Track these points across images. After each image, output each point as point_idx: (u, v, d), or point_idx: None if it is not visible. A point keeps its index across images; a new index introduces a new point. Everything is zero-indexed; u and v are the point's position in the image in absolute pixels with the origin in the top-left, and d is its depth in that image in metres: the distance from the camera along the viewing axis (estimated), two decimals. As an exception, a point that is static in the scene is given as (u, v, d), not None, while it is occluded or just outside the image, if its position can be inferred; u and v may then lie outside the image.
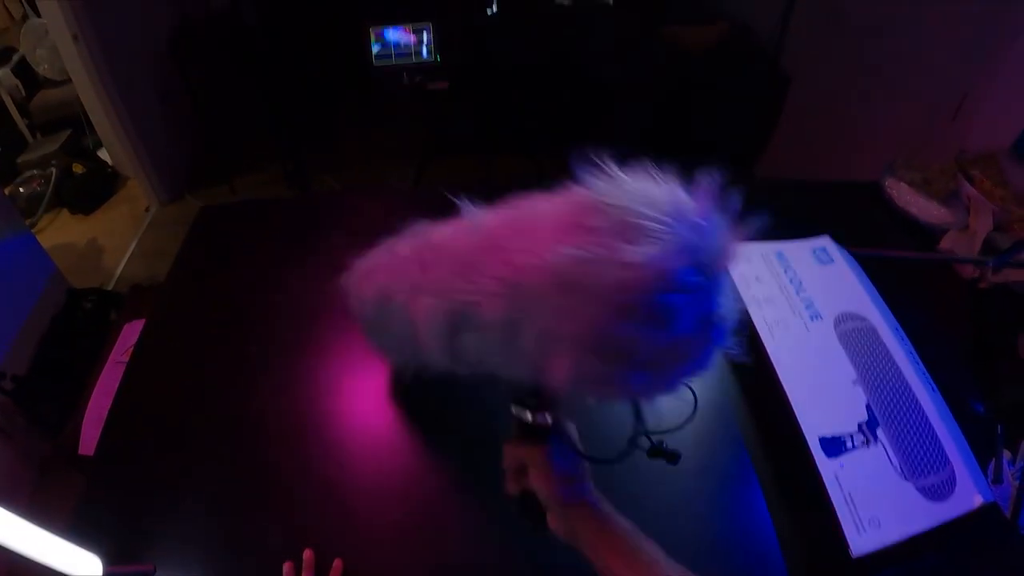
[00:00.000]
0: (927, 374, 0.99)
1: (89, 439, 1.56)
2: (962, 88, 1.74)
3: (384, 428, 1.03)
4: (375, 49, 2.81)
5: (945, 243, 1.34)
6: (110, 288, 2.82)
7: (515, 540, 0.84)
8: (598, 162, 0.51)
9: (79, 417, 1.66)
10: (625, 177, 0.51)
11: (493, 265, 0.52)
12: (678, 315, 0.46)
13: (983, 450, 0.92)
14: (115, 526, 0.91)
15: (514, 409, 0.69)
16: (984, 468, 0.90)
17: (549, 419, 0.68)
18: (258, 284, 1.29)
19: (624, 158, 0.53)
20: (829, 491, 0.86)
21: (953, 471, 0.88)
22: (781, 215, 1.36)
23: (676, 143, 2.80)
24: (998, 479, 0.91)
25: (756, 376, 1.03)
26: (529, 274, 0.49)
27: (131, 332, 1.77)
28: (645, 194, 0.49)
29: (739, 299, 0.50)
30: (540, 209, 0.53)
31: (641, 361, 0.49)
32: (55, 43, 3.05)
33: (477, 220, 0.59)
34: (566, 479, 0.66)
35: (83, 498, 0.96)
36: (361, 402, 1.07)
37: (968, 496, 0.86)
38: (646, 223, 0.46)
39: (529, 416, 0.67)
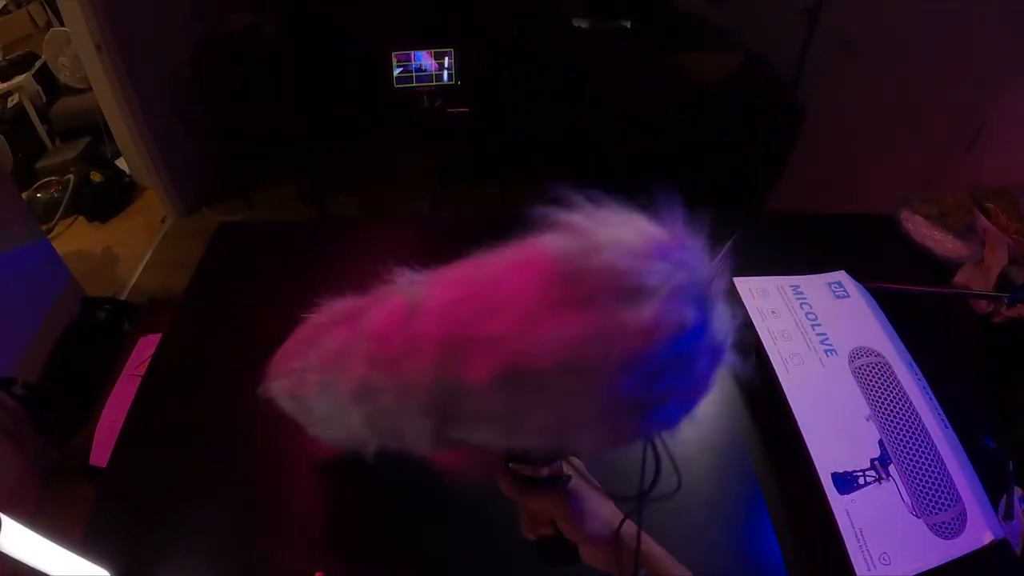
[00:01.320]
0: (940, 410, 0.98)
1: (101, 451, 1.57)
2: (977, 121, 1.75)
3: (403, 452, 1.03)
4: (396, 72, 2.83)
5: (960, 277, 1.34)
6: (123, 298, 2.84)
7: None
8: (562, 205, 0.45)
9: (90, 427, 1.67)
10: (590, 224, 0.45)
11: (477, 356, 0.45)
12: (695, 359, 0.44)
13: (994, 486, 0.92)
14: (126, 540, 0.91)
15: (513, 465, 0.64)
16: (995, 504, 0.90)
17: (564, 467, 0.64)
18: (274, 304, 1.28)
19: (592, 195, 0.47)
20: (840, 526, 0.86)
21: (964, 508, 0.88)
22: (797, 248, 1.39)
23: (688, 172, 2.80)
24: (1009, 515, 0.90)
25: (769, 410, 1.02)
26: (529, 363, 0.43)
27: (146, 346, 1.79)
28: (622, 242, 0.43)
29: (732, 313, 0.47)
30: (505, 281, 0.46)
31: (662, 408, 0.45)
32: (78, 52, 3.10)
33: (421, 298, 0.52)
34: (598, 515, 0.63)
35: (94, 511, 0.96)
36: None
37: (978, 533, 0.86)
38: (638, 278, 0.41)
39: (545, 471, 0.63)
